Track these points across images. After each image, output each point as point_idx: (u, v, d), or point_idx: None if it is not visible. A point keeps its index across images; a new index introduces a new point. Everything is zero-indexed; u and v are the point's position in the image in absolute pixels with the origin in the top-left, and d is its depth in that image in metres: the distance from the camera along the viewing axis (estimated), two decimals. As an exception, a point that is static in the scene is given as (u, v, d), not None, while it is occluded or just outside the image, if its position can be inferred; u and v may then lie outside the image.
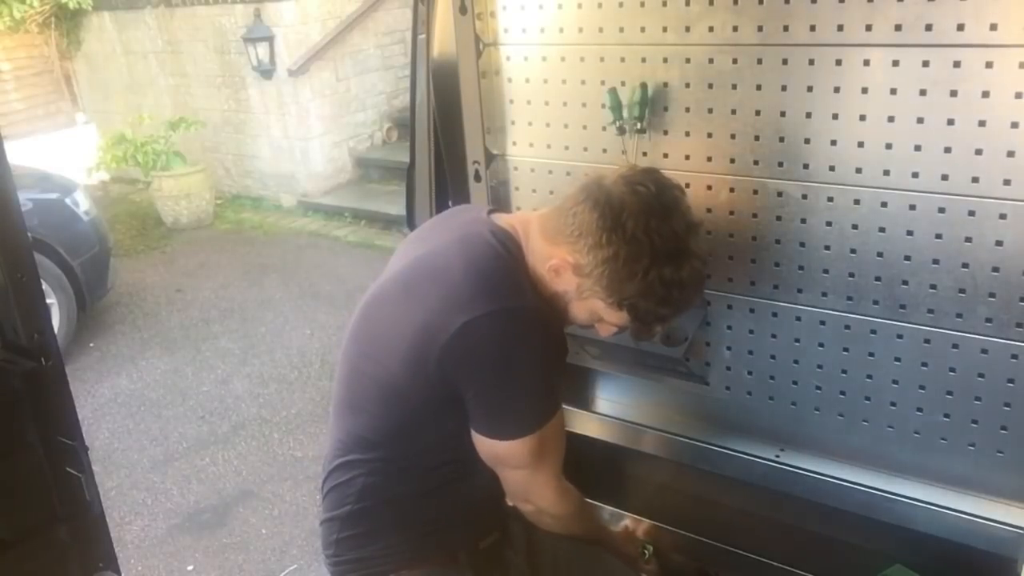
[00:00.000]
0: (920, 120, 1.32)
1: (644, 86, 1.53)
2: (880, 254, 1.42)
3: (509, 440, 1.38)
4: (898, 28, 1.29)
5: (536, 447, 1.39)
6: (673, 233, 1.31)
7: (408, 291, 1.42)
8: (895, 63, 1.31)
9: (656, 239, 1.29)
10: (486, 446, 1.40)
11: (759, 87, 1.44)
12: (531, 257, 1.40)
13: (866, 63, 1.34)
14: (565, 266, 1.34)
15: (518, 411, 1.37)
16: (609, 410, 1.86)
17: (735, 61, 1.45)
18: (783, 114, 1.43)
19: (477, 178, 1.79)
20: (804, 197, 1.46)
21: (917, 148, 1.33)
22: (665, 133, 1.56)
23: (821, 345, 1.53)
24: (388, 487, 1.47)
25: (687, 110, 1.53)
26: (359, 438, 1.46)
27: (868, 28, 1.31)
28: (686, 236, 1.33)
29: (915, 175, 1.35)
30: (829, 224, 1.45)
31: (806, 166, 1.44)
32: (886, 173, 1.37)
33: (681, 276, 1.32)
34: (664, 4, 1.48)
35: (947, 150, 1.31)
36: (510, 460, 1.42)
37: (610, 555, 1.68)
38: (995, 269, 1.33)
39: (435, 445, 1.44)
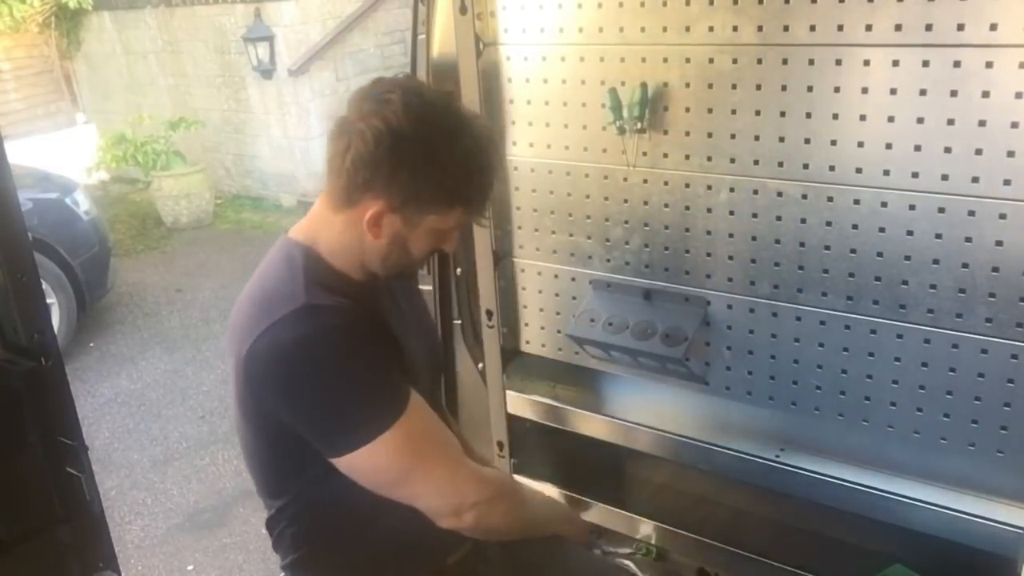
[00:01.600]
0: (920, 120, 1.32)
1: (644, 86, 1.53)
2: (880, 254, 1.42)
3: (365, 447, 1.24)
4: (898, 28, 1.29)
5: (405, 442, 1.27)
6: (443, 109, 1.27)
7: (228, 345, 1.38)
8: (895, 63, 1.31)
9: (436, 123, 1.25)
10: (354, 468, 1.28)
11: (759, 87, 1.44)
12: (329, 243, 1.33)
13: (866, 63, 1.34)
14: (380, 212, 1.26)
15: (351, 412, 1.26)
16: (609, 410, 1.86)
17: (735, 61, 1.45)
18: (783, 114, 1.43)
19: (477, 178, 1.78)
20: (804, 197, 1.46)
21: (917, 148, 1.33)
22: (665, 133, 1.56)
23: (821, 345, 1.53)
24: (314, 532, 1.42)
25: (687, 110, 1.53)
26: (263, 489, 1.44)
27: (868, 28, 1.31)
28: (452, 105, 1.30)
29: (915, 175, 1.35)
30: (829, 224, 1.45)
31: (806, 166, 1.44)
32: (886, 173, 1.37)
33: (478, 141, 1.27)
34: (664, 4, 1.48)
35: (947, 150, 1.31)
36: (391, 470, 1.29)
37: (604, 564, 1.66)
38: (995, 269, 1.33)
39: (328, 480, 1.32)
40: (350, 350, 1.26)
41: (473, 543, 1.50)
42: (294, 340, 1.24)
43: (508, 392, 1.91)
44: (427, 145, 1.24)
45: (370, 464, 1.27)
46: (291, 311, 1.25)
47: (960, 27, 1.24)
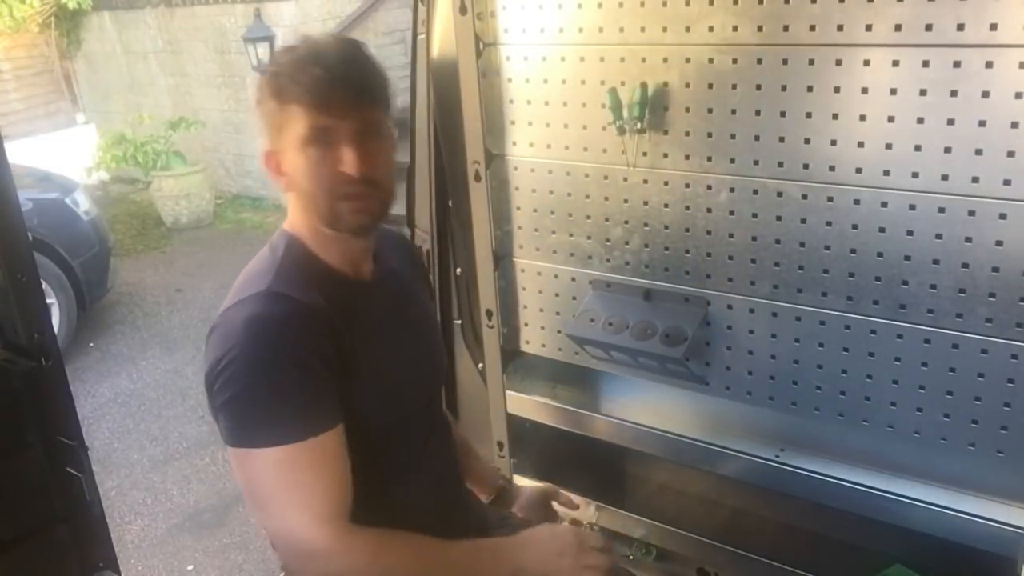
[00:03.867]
0: (920, 120, 1.32)
1: (644, 86, 1.53)
2: (880, 254, 1.42)
3: (246, 448, 1.18)
4: (898, 28, 1.29)
5: (282, 464, 1.17)
6: (304, 44, 1.26)
7: None
8: (895, 63, 1.31)
9: (288, 53, 1.25)
10: (236, 465, 1.22)
11: (759, 87, 1.44)
12: (300, 225, 1.33)
13: (866, 63, 1.34)
14: (266, 153, 1.28)
15: (259, 409, 1.18)
16: (609, 410, 1.86)
17: (735, 61, 1.45)
18: (783, 114, 1.43)
19: (477, 178, 1.79)
20: (804, 197, 1.46)
21: (917, 148, 1.33)
22: (665, 133, 1.56)
23: (821, 345, 1.53)
24: None
25: (687, 110, 1.53)
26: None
27: (868, 28, 1.31)
28: (322, 41, 1.27)
29: (915, 175, 1.35)
30: (829, 224, 1.45)
31: (806, 166, 1.44)
32: (886, 173, 1.37)
33: (318, 48, 1.24)
34: (664, 4, 1.48)
35: (947, 150, 1.31)
36: (261, 486, 1.19)
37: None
38: (995, 269, 1.33)
39: None
40: (292, 350, 1.18)
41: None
42: (244, 320, 1.20)
43: (508, 392, 1.92)
44: (272, 68, 1.25)
45: (244, 464, 1.20)
46: (253, 294, 1.23)
47: (960, 27, 1.24)
